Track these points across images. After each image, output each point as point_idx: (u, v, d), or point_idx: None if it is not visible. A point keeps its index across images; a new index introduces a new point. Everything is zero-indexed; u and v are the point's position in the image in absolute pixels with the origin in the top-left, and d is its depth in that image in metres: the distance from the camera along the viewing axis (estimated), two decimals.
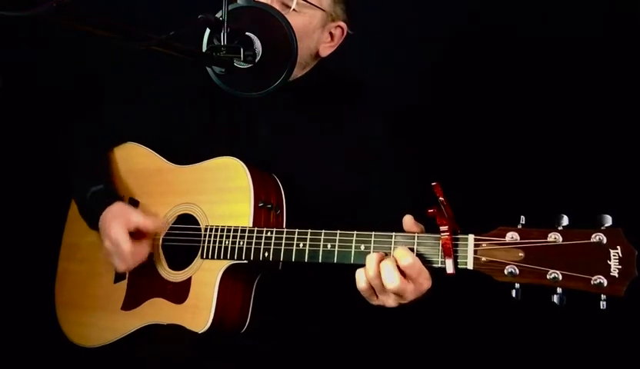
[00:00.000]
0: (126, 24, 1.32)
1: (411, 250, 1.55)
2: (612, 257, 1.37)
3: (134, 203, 2.04)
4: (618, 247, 1.37)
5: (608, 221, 1.40)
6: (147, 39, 1.35)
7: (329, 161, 1.95)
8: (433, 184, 1.45)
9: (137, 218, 1.90)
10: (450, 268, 1.49)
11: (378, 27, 2.54)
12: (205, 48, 1.58)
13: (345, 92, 2.04)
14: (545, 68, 2.46)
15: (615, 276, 1.36)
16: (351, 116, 1.98)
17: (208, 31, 1.57)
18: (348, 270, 1.65)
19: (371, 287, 1.58)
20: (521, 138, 2.47)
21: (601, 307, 1.38)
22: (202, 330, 1.78)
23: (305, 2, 1.85)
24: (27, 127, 2.65)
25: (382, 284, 1.55)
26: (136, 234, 1.91)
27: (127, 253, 1.87)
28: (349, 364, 1.86)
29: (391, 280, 1.52)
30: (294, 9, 1.83)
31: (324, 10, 1.89)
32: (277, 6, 1.81)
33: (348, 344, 1.90)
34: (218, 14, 1.49)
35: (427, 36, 2.57)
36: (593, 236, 1.39)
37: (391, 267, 1.52)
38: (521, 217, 1.46)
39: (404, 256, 1.52)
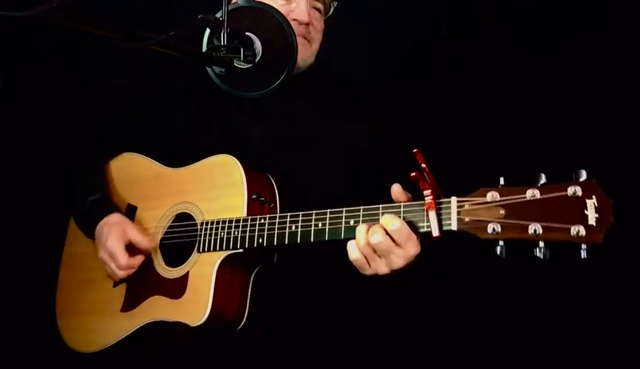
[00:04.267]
0: (126, 24, 1.37)
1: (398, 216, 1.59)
2: (589, 207, 1.42)
3: (132, 208, 2.10)
4: (594, 197, 1.43)
5: (583, 175, 1.46)
6: (147, 39, 1.39)
7: (321, 160, 2.01)
8: (414, 150, 1.52)
9: (133, 233, 1.97)
10: (435, 231, 1.54)
11: (365, 29, 2.67)
12: (204, 48, 1.60)
13: (336, 92, 2.12)
14: (519, 39, 2.58)
15: (592, 225, 1.41)
16: (341, 115, 2.06)
17: (208, 31, 1.60)
18: (342, 263, 1.70)
19: (364, 256, 1.63)
20: (498, 109, 2.57)
21: (582, 257, 1.42)
22: (200, 323, 1.81)
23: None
24: (27, 133, 2.70)
25: (373, 251, 1.61)
26: (130, 247, 1.97)
27: (122, 265, 1.94)
28: (348, 357, 1.87)
29: (377, 237, 1.58)
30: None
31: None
32: (313, 14, 1.99)
33: (347, 337, 1.91)
34: (218, 14, 1.53)
35: (412, 37, 2.69)
36: (569, 189, 1.44)
37: (379, 232, 1.58)
38: (501, 178, 1.52)
39: (391, 221, 1.58)
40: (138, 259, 1.98)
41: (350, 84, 2.17)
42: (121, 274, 1.97)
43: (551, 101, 2.47)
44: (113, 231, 1.98)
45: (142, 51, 1.39)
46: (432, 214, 1.53)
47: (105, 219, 2.02)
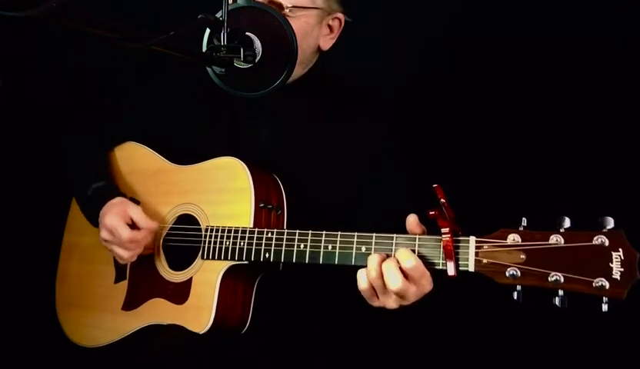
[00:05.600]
0: (126, 24, 1.31)
1: (413, 251, 1.54)
2: (614, 260, 1.37)
3: (134, 202, 2.01)
4: (620, 249, 1.37)
5: (610, 223, 1.39)
6: (147, 39, 1.33)
7: (329, 162, 1.94)
8: (434, 186, 1.45)
9: (134, 211, 1.90)
10: (451, 270, 1.48)
11: (376, 28, 2.55)
12: (205, 48, 1.57)
13: (344, 94, 2.03)
14: (544, 68, 2.45)
15: (616, 279, 1.36)
16: (349, 117, 1.97)
17: (208, 31, 1.56)
18: (348, 272, 1.65)
19: (373, 288, 1.58)
20: (522, 139, 2.47)
21: (603, 310, 1.38)
22: (203, 331, 1.78)
23: (297, 8, 1.85)
24: (27, 127, 2.65)
25: (384, 285, 1.55)
26: (133, 227, 1.90)
27: (125, 238, 1.87)
28: (349, 365, 1.85)
29: (395, 281, 1.51)
30: (288, 15, 1.83)
31: (318, 8, 1.89)
32: None
33: (349, 345, 1.90)
34: (218, 14, 1.48)
35: (424, 36, 2.58)
36: (595, 238, 1.39)
37: (393, 269, 1.52)
38: (523, 219, 1.46)
39: (407, 258, 1.52)
40: (142, 233, 1.90)
41: (360, 87, 2.07)
42: (125, 252, 1.89)
43: (581, 140, 2.37)
44: (113, 210, 1.92)
45: (144, 50, 1.33)
46: (449, 253, 1.48)
47: (109, 202, 1.96)
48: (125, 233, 1.87)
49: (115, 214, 1.90)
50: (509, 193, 2.39)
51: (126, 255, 1.91)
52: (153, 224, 1.91)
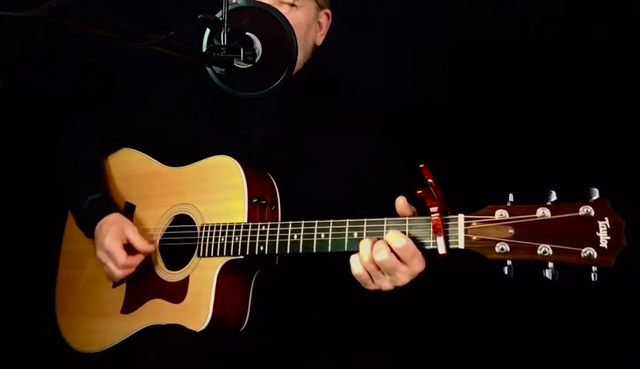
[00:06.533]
0: (126, 24, 1.33)
1: (404, 233, 1.56)
2: (601, 229, 1.38)
3: (130, 207, 2.07)
4: (606, 218, 1.38)
5: (596, 194, 1.41)
6: (147, 39, 1.35)
7: (324, 159, 1.97)
8: (421, 166, 1.47)
9: (131, 233, 1.93)
10: (442, 249, 1.50)
11: (370, 25, 2.62)
12: (205, 48, 1.58)
13: (338, 91, 2.08)
14: (528, 54, 2.50)
15: (604, 247, 1.37)
16: (344, 114, 2.01)
17: (208, 31, 1.57)
18: (345, 264, 1.66)
19: (367, 272, 1.60)
20: (507, 120, 2.50)
21: (593, 279, 1.39)
22: (201, 328, 1.79)
23: None
24: (27, 127, 2.67)
25: (377, 268, 1.57)
26: (128, 246, 1.94)
27: (121, 264, 1.91)
28: (348, 359, 1.84)
29: (385, 260, 1.53)
30: (295, 4, 1.90)
31: (316, 0, 1.97)
32: (280, 6, 1.86)
33: (347, 339, 1.89)
34: (218, 14, 1.50)
35: (417, 33, 2.63)
36: (581, 209, 1.40)
37: (384, 250, 1.54)
38: (510, 195, 1.48)
39: (396, 238, 1.54)
40: (137, 258, 1.94)
41: (354, 84, 2.12)
42: (120, 273, 1.94)
43: (563, 115, 2.40)
44: (111, 230, 1.95)
45: (143, 50, 1.35)
46: (439, 232, 1.49)
47: (104, 219, 1.99)
48: (121, 258, 1.91)
49: (112, 235, 1.93)
50: (496, 172, 2.41)
51: (118, 275, 1.94)
52: (149, 246, 1.94)
